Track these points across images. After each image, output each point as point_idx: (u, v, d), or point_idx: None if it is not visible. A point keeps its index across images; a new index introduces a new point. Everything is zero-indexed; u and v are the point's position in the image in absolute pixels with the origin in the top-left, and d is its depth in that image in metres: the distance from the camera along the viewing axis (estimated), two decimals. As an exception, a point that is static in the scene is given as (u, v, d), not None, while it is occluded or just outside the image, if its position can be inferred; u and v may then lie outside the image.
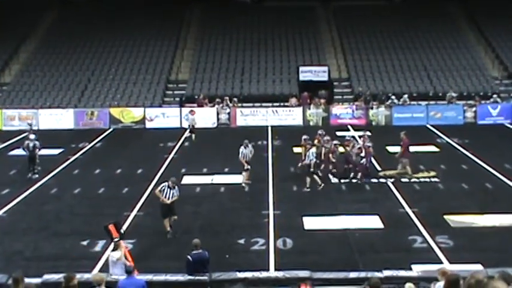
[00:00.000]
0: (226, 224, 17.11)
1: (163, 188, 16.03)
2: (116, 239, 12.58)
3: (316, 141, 22.05)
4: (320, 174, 20.90)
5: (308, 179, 20.31)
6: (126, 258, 12.29)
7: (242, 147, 21.21)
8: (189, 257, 11.63)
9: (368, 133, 22.44)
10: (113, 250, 12.38)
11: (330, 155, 21.67)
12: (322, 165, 21.56)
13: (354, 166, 21.51)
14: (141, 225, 17.13)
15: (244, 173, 21.12)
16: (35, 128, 32.28)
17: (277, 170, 23.17)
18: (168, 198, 15.90)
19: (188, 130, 30.03)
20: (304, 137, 22.31)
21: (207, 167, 23.63)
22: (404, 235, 15.91)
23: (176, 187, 16.15)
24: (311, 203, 18.98)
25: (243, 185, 20.94)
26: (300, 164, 21.75)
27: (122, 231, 13.16)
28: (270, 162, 24.40)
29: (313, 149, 20.61)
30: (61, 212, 18.64)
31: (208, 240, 14.22)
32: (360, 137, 22.12)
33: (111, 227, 12.83)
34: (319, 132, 23.16)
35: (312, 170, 20.28)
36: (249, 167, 20.96)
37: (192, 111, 31.08)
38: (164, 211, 16.01)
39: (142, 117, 33.80)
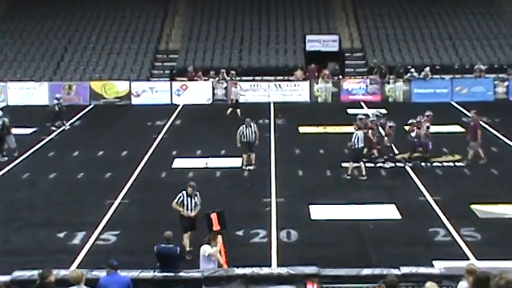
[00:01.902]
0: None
1: (181, 197, 14.48)
2: (216, 232, 12.49)
3: (369, 123, 22.03)
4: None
5: (362, 165, 20.21)
6: (220, 254, 12.19)
7: (242, 126, 21.20)
8: (155, 248, 11.85)
9: (431, 113, 22.48)
10: (206, 243, 12.09)
11: (385, 138, 21.69)
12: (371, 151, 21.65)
13: (424, 148, 21.51)
14: (126, 215, 17.18)
15: (244, 155, 21.19)
16: (3, 103, 32.23)
17: (281, 152, 23.16)
18: (191, 210, 14.40)
19: (230, 105, 29.77)
20: (359, 116, 22.39)
21: (201, 149, 23.62)
22: (425, 227, 15.93)
23: (198, 193, 14.70)
24: (319, 190, 19.00)
25: (244, 167, 21.07)
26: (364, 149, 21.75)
27: (225, 224, 12.88)
28: (272, 144, 24.39)
29: (360, 132, 20.49)
30: (34, 199, 18.64)
31: (202, 232, 14.19)
32: (426, 116, 22.21)
33: (214, 216, 12.78)
34: (377, 113, 23.03)
35: (357, 155, 20.28)
36: (251, 154, 21.06)
37: (235, 83, 30.95)
38: (185, 225, 14.46)
39: (127, 92, 33.71)
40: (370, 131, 21.54)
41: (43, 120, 27.76)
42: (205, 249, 12.11)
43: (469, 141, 21.82)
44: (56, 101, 28.27)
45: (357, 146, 20.24)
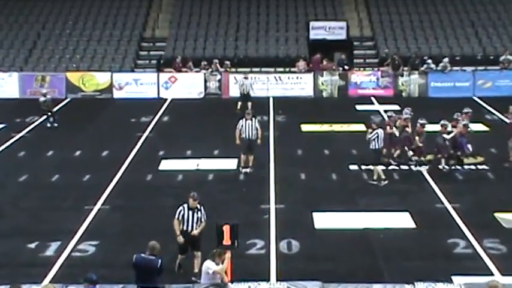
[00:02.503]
0: (215, 221, 17.04)
1: (181, 211, 13.70)
2: (225, 247, 12.44)
3: (400, 122, 22.13)
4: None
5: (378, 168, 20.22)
6: (226, 272, 12.08)
7: (242, 119, 21.29)
8: (134, 257, 11.81)
9: (470, 110, 22.69)
10: (211, 259, 11.95)
11: (416, 138, 21.70)
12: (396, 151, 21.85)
13: (458, 149, 21.62)
14: (106, 223, 17.14)
15: (242, 156, 21.20)
16: None
17: (281, 153, 23.18)
18: (192, 228, 13.70)
19: (241, 99, 29.64)
20: (388, 114, 22.68)
21: (192, 149, 23.65)
22: (443, 238, 15.93)
23: (202, 207, 13.92)
24: (323, 195, 19.02)
25: (240, 169, 21.08)
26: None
27: (237, 240, 12.78)
28: (271, 143, 24.40)
29: (381, 131, 20.39)
30: (2, 205, 18.57)
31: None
32: (465, 113, 22.32)
33: (226, 229, 12.72)
34: (406, 111, 22.98)
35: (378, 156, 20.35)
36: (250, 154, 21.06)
37: (245, 76, 30.87)
38: (183, 244, 13.86)
39: (108, 84, 33.73)
40: (406, 129, 21.69)
41: (14, 116, 27.75)
42: (209, 266, 11.89)
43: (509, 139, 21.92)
44: (43, 98, 28.12)
45: (377, 147, 20.19)
